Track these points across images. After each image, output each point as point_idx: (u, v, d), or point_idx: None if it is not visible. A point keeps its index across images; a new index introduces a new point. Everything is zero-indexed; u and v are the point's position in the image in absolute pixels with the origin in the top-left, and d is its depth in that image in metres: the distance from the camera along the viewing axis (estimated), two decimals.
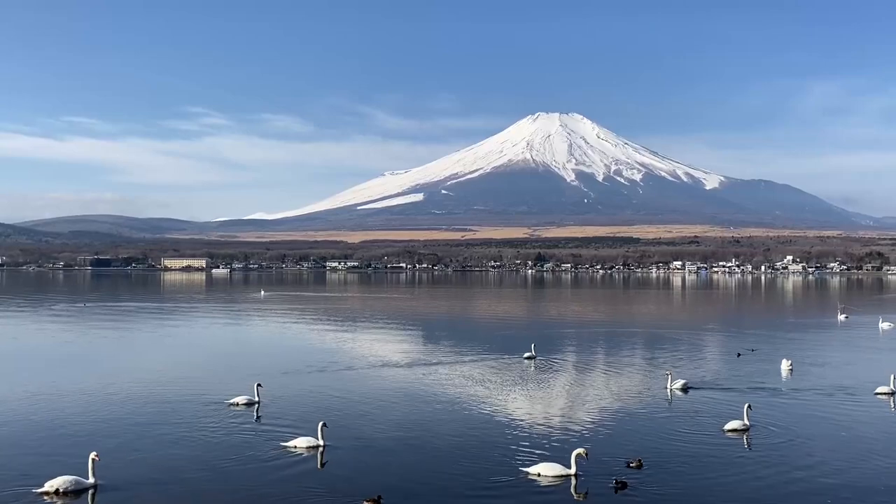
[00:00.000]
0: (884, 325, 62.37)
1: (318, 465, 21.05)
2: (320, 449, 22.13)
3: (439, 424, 25.94)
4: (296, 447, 22.27)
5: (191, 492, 18.69)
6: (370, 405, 29.20)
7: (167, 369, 38.20)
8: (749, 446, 23.37)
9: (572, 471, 19.39)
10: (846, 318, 72.35)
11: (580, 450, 19.62)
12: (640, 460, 20.54)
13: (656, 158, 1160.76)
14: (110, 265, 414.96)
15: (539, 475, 19.43)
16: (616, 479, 19.01)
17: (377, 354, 45.26)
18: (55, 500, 18.16)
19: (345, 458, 21.52)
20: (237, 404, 28.54)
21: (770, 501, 18.41)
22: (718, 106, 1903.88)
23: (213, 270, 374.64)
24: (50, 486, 18.43)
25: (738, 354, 43.79)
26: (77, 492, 18.41)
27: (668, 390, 31.76)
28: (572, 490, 18.91)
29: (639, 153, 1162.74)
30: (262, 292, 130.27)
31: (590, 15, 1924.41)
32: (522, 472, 19.74)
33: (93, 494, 18.41)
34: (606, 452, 21.78)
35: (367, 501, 17.54)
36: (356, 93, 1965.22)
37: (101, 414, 27.23)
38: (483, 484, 19.14)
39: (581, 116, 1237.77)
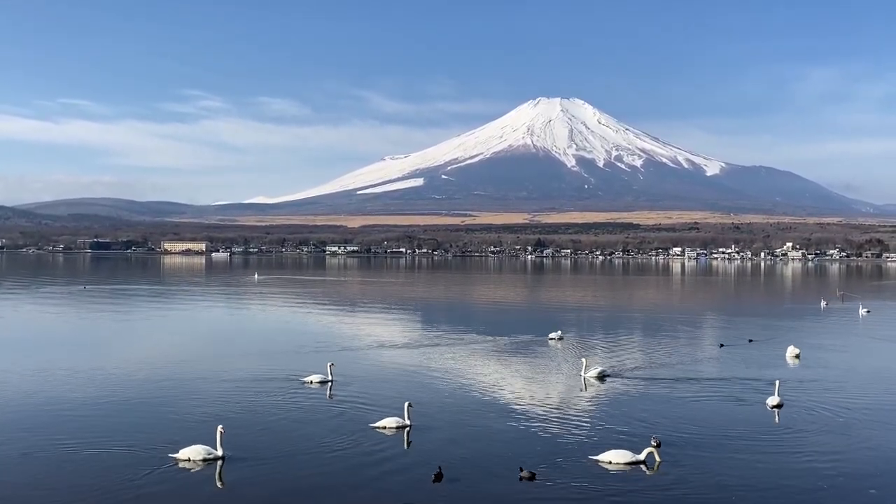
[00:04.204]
0: (863, 312, 65.41)
1: (405, 445, 21.72)
2: (407, 429, 22.70)
3: (499, 405, 27.09)
4: (385, 427, 22.90)
5: (303, 467, 19.55)
6: (429, 385, 30.53)
7: (217, 350, 40.38)
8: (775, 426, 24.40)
9: (642, 457, 19.86)
10: (827, 304, 74.71)
11: (654, 450, 19.99)
12: (657, 440, 21.25)
13: (657, 144, 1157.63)
14: (110, 248, 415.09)
15: (610, 462, 19.83)
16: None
17: (407, 337, 46.96)
18: (188, 466, 19.41)
19: (427, 439, 22.24)
20: (311, 382, 29.86)
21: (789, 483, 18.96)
22: (719, 92, 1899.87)
23: (213, 254, 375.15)
24: (184, 453, 19.79)
25: (721, 345, 42.84)
26: (207, 461, 19.64)
27: (583, 378, 31.53)
28: (644, 469, 19.65)
29: (640, 139, 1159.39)
30: (256, 276, 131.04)
31: (590, 1, 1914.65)
32: (591, 459, 20.09)
33: (221, 465, 19.47)
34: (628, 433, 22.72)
35: (433, 475, 18.44)
36: (353, 76, 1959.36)
37: (197, 391, 28.77)
38: (554, 468, 19.57)
39: (582, 102, 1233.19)
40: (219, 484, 18.50)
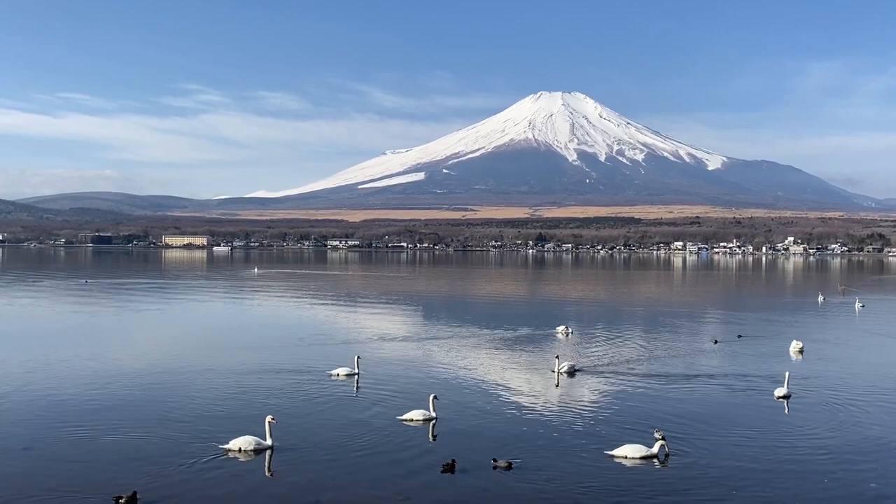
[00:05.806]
0: (859, 306, 67.33)
1: (431, 438, 22.28)
2: (432, 422, 23.31)
3: (514, 398, 27.74)
4: (412, 420, 23.54)
5: (340, 459, 19.99)
6: (449, 378, 31.16)
7: (231, 344, 40.67)
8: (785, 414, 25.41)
9: (655, 451, 20.31)
10: (825, 299, 75.88)
11: (664, 443, 20.50)
12: (662, 433, 21.66)
13: (658, 138, 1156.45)
14: (111, 242, 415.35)
15: (626, 457, 20.18)
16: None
17: (419, 331, 47.95)
18: (239, 457, 19.87)
19: (452, 431, 22.81)
20: (338, 375, 30.35)
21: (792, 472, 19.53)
22: (720, 86, 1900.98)
23: (214, 248, 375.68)
24: (234, 444, 20.18)
25: (715, 341, 42.87)
26: (257, 451, 20.10)
27: (556, 373, 32.08)
28: (656, 462, 20.15)
29: (641, 133, 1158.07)
30: (256, 270, 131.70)
31: None
32: (607, 454, 20.42)
33: (270, 455, 20.01)
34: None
35: (443, 465, 19.15)
36: (352, 70, 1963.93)
37: (223, 385, 29.10)
38: (569, 461, 20.09)
39: (584, 96, 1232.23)
40: (267, 473, 18.99)
